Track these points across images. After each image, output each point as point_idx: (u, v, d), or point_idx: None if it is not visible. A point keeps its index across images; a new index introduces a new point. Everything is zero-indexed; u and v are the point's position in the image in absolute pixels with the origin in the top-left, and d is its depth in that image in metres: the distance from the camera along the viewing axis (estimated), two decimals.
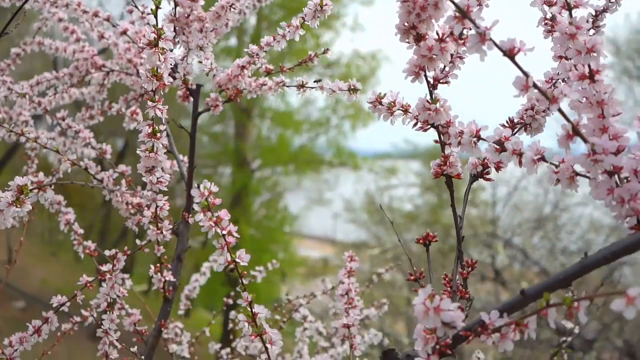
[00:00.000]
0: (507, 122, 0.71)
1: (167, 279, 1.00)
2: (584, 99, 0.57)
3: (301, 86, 1.00)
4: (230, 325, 1.37)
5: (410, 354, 0.59)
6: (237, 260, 0.66)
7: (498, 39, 0.53)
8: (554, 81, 0.71)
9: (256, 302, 0.76)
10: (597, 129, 0.56)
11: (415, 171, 10.44)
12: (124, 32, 1.10)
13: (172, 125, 1.18)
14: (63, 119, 1.18)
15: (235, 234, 0.66)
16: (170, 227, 0.93)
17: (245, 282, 1.44)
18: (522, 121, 0.71)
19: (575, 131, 0.54)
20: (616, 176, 0.55)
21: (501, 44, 0.52)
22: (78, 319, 1.16)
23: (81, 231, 1.13)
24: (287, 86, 1.02)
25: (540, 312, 0.50)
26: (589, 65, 0.56)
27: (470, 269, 0.67)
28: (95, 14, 1.13)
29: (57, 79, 1.24)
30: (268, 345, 0.68)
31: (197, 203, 0.64)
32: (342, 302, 0.99)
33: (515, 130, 0.71)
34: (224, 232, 0.65)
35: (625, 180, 0.55)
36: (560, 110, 0.53)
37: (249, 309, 0.67)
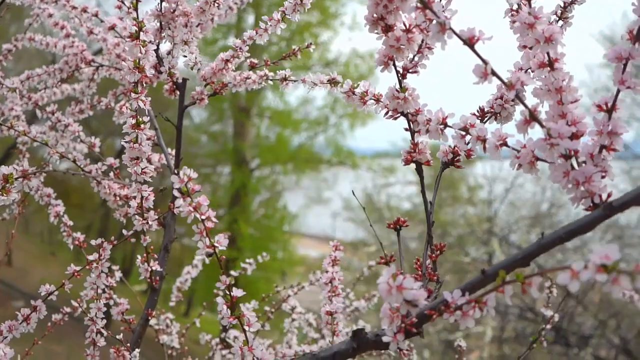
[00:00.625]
0: (477, 111, 0.74)
1: (153, 268, 1.02)
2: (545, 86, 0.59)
3: (284, 79, 1.02)
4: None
5: (378, 334, 0.62)
6: (216, 244, 0.68)
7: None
8: (523, 71, 0.73)
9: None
10: (557, 115, 0.58)
11: (414, 169, 10.45)
12: (112, 28, 1.12)
13: (162, 121, 1.20)
14: (52, 113, 1.20)
15: (214, 219, 0.68)
16: (156, 217, 0.96)
17: (235, 273, 1.45)
18: (492, 110, 0.73)
19: (532, 117, 0.56)
20: (574, 160, 0.57)
21: (461, 33, 0.54)
22: (68, 309, 1.19)
23: (70, 223, 1.15)
24: (271, 80, 1.05)
25: (497, 289, 0.52)
26: (548, 54, 0.58)
27: (439, 252, 0.69)
28: (84, 10, 1.16)
29: (47, 74, 1.27)
30: (246, 328, 0.70)
31: (176, 189, 0.66)
32: (326, 290, 1.01)
33: (486, 119, 0.73)
34: (203, 217, 0.67)
35: (583, 164, 0.57)
36: (518, 97, 0.56)
37: (228, 293, 0.70)
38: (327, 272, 1.02)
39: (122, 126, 1.24)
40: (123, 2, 1.04)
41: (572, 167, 0.56)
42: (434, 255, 0.68)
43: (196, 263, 1.55)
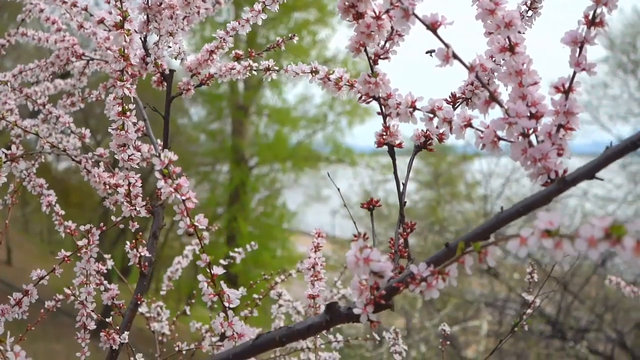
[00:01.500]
0: (449, 96, 0.76)
1: (142, 254, 1.05)
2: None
3: (267, 69, 1.05)
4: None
5: (350, 307, 0.65)
6: (196, 224, 0.71)
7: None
8: (493, 58, 0.76)
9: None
10: (517, 96, 0.61)
11: (412, 167, 10.51)
12: (101, 21, 1.15)
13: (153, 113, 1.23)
14: (44, 105, 1.23)
15: (195, 200, 0.71)
16: (144, 203, 0.99)
17: (224, 262, 1.47)
18: (463, 95, 0.76)
19: (492, 97, 0.59)
20: (533, 138, 0.60)
21: (424, 19, 0.57)
22: (61, 296, 1.21)
23: (62, 212, 1.18)
24: (255, 70, 1.08)
25: (458, 259, 0.55)
26: (509, 38, 0.61)
27: (410, 230, 0.72)
28: (74, 4, 1.18)
29: (39, 68, 1.30)
30: (226, 304, 0.73)
31: (158, 171, 0.69)
32: (308, 274, 1.04)
33: (457, 104, 0.76)
34: (184, 197, 0.70)
35: (542, 143, 0.60)
36: (478, 78, 0.59)
37: (208, 270, 0.73)
38: (309, 257, 1.05)
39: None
40: None
41: (530, 145, 0.59)
42: (405, 233, 0.71)
43: (187, 253, 1.58)
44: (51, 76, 1.31)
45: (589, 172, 0.53)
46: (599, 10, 0.58)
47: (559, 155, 0.58)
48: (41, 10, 1.28)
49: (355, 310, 0.62)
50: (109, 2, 1.13)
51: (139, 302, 1.08)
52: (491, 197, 7.43)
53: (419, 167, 10.70)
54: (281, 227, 11.33)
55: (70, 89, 1.33)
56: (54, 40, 1.31)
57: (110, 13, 1.18)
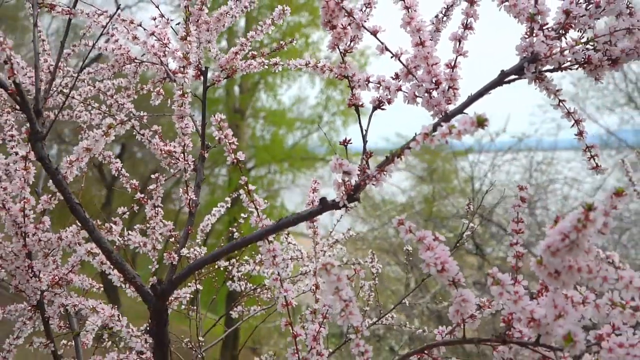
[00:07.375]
0: (394, 74, 1.20)
1: (191, 197, 1.49)
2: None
3: (276, 64, 1.50)
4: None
5: (334, 199, 1.08)
6: (238, 157, 1.15)
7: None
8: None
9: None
10: (426, 71, 1.05)
11: (408, 164, 10.98)
12: (152, 34, 1.58)
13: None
14: (112, 96, 1.67)
15: (236, 143, 1.15)
16: (194, 159, 1.43)
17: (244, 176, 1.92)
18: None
19: (408, 71, 1.03)
20: (435, 93, 1.04)
21: (368, 27, 1.01)
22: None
23: (127, 175, 1.61)
24: (267, 65, 1.52)
25: (393, 159, 0.99)
26: (419, 37, 1.05)
27: (369, 155, 1.16)
28: (131, 22, 1.62)
29: (102, 69, 1.73)
30: (257, 207, 1.17)
31: (213, 125, 1.13)
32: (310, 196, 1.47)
33: (399, 79, 1.20)
34: (230, 141, 1.14)
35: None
36: (400, 61, 1.03)
37: (246, 188, 1.17)
38: (309, 197, 1.49)
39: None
40: (162, 16, 1.51)
41: (432, 97, 1.03)
42: (366, 157, 1.15)
43: (214, 213, 2.02)
44: (112, 77, 1.75)
45: (462, 108, 0.98)
46: (469, 20, 1.03)
47: (448, 103, 1.02)
48: (103, 27, 1.72)
49: (336, 199, 1.06)
50: (154, 19, 1.57)
51: (189, 232, 1.51)
52: (479, 181, 7.90)
53: (413, 163, 11.16)
54: None
55: (126, 84, 1.77)
56: (111, 48, 1.75)
57: (157, 26, 1.62)
